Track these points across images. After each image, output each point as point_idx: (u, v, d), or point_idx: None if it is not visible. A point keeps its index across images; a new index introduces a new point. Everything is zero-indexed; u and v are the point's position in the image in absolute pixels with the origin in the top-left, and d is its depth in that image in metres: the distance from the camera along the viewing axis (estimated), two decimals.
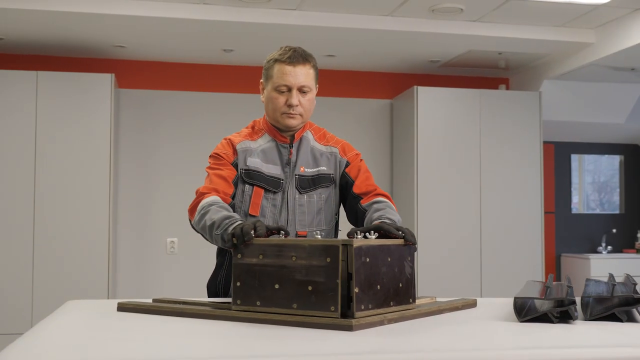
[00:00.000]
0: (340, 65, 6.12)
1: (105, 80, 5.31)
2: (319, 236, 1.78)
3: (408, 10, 4.83)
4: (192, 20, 4.79)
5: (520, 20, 5.04)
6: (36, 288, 5.12)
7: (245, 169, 2.34)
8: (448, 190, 5.84)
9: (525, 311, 1.75)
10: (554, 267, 6.84)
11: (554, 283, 2.11)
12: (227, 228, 1.98)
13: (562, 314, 1.73)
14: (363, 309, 1.66)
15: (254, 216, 2.30)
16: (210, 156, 2.38)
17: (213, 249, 2.45)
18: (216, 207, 2.12)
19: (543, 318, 1.73)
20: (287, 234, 1.93)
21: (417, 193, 5.77)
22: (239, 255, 1.76)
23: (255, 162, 2.34)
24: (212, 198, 2.19)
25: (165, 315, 1.83)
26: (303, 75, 2.32)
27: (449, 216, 5.83)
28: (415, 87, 5.84)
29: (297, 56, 2.33)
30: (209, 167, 2.35)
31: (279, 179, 2.35)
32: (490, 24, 5.12)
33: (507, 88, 6.60)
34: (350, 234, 1.84)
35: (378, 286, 1.72)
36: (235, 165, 2.35)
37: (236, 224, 1.96)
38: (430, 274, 5.74)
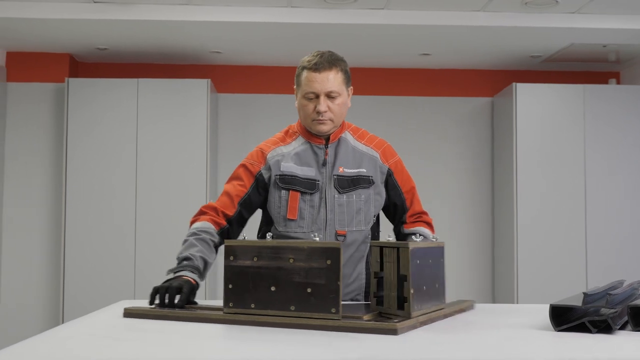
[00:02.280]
0: (435, 63, 5.99)
1: (202, 86, 5.47)
2: (317, 238, 1.75)
3: (499, 5, 4.66)
4: (280, 24, 4.85)
5: (624, 9, 4.75)
6: (138, 283, 5.33)
7: (279, 175, 2.36)
8: (549, 194, 5.58)
9: (561, 320, 1.63)
10: None
11: (621, 288, 1.96)
12: (174, 273, 2.09)
13: (603, 323, 1.60)
14: (416, 309, 1.71)
15: (292, 220, 2.33)
16: (239, 164, 2.44)
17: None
18: (193, 240, 2.23)
19: (583, 327, 1.61)
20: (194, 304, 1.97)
21: (517, 197, 5.55)
22: (231, 257, 1.75)
23: (289, 167, 2.36)
24: (200, 224, 2.30)
25: (149, 319, 1.81)
26: (330, 81, 2.30)
27: (551, 220, 5.56)
28: (513, 84, 5.63)
29: (323, 62, 2.30)
30: (228, 180, 2.43)
31: (315, 180, 2.35)
32: (591, 15, 4.84)
33: (618, 82, 6.23)
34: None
35: (424, 287, 1.78)
36: (260, 176, 2.38)
37: (172, 277, 2.06)
38: (530, 279, 5.51)
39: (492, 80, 6.19)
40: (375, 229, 2.45)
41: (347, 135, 2.44)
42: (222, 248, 2.01)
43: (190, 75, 5.87)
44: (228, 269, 1.75)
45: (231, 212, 2.34)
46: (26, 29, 4.98)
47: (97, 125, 5.41)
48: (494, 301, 6.05)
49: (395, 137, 6.09)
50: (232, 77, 6.05)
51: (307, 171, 2.36)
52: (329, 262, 1.67)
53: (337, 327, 1.64)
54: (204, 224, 2.30)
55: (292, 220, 2.32)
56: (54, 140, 5.64)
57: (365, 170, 2.39)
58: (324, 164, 2.37)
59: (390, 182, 2.45)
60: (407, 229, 2.46)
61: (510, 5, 4.67)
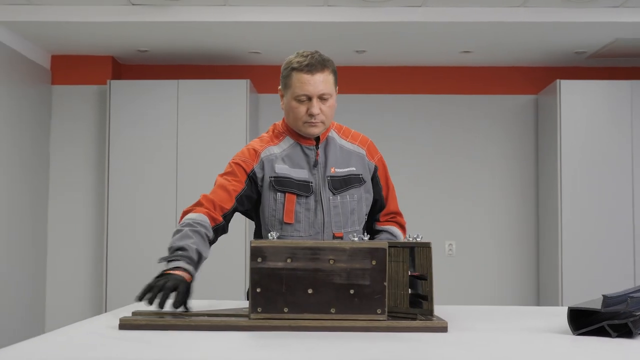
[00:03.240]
0: (476, 61, 5.90)
1: (241, 86, 5.49)
2: (356, 239, 1.71)
3: (540, 0, 4.56)
4: (317, 23, 4.83)
5: None
6: None
7: (274, 177, 2.30)
8: (595, 194, 5.43)
9: (580, 323, 1.57)
10: None
11: None
12: (167, 262, 1.97)
13: (623, 327, 1.54)
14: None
15: (288, 224, 2.26)
16: (229, 163, 2.34)
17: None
18: (188, 231, 2.07)
19: (602, 332, 1.55)
20: (187, 310, 1.82)
21: (561, 197, 5.42)
22: (259, 259, 1.66)
23: (283, 169, 2.30)
24: (196, 216, 2.16)
25: (169, 330, 1.62)
26: (322, 82, 2.25)
27: (597, 220, 5.42)
28: (558, 81, 5.50)
29: (315, 63, 2.25)
30: (221, 174, 2.32)
31: (309, 182, 2.30)
32: (636, 8, 4.70)
33: None
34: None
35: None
36: (253, 175, 2.30)
37: (168, 269, 1.94)
38: (575, 279, 5.38)
39: (535, 78, 6.06)
40: (366, 227, 2.44)
41: (333, 134, 2.40)
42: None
43: (229, 76, 5.90)
44: (256, 271, 1.66)
45: (228, 205, 2.23)
46: (69, 32, 5.07)
47: (138, 126, 5.49)
48: (538, 302, 5.93)
49: (436, 136, 6.02)
50: (272, 77, 6.05)
51: (300, 173, 2.31)
52: (374, 262, 1.66)
53: (385, 327, 1.63)
54: (200, 216, 2.17)
55: (289, 224, 2.26)
56: (96, 141, 5.74)
57: (355, 169, 2.35)
58: (315, 165, 2.33)
59: (374, 179, 2.41)
60: (379, 226, 2.44)
61: (550, 0, 4.57)
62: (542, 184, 5.88)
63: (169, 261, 1.96)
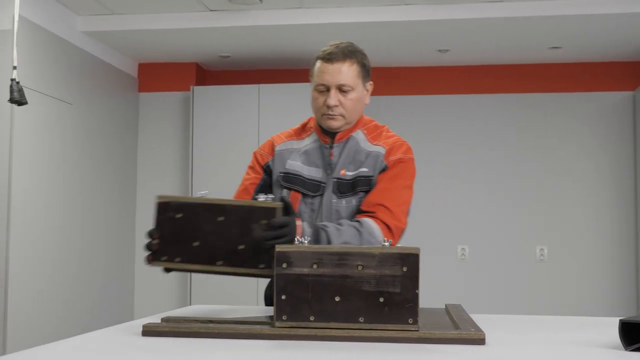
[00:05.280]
0: (567, 57, 5.61)
1: None
2: (387, 244, 1.60)
3: None
4: (395, 23, 4.72)
5: None
6: (261, 282, 5.39)
7: (284, 173, 2.21)
8: None
9: (633, 338, 1.41)
10: None
11: None
12: None
13: None
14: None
15: None
16: (253, 153, 2.32)
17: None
18: None
19: None
20: None
21: None
22: (284, 265, 1.58)
23: (295, 165, 2.21)
24: None
25: (192, 338, 1.56)
26: (342, 73, 2.12)
27: None
28: None
29: (338, 52, 2.13)
30: (246, 171, 2.31)
31: (320, 182, 2.18)
32: None
33: None
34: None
35: None
36: (267, 168, 2.26)
37: None
38: None
39: (632, 73, 5.71)
40: None
41: (359, 135, 2.23)
42: None
43: (309, 79, 5.85)
44: (281, 277, 1.57)
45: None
46: (152, 40, 5.18)
47: (220, 130, 5.54)
48: (638, 311, 5.57)
49: (524, 136, 5.77)
50: None
51: (313, 172, 2.20)
52: (405, 268, 1.55)
53: (416, 338, 1.52)
54: None
55: None
56: (181, 145, 5.84)
57: (366, 170, 2.16)
58: (329, 164, 2.20)
59: (379, 177, 2.16)
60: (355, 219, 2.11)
61: None
62: None
63: None
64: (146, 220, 5.80)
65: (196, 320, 1.69)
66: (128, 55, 5.64)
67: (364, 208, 2.12)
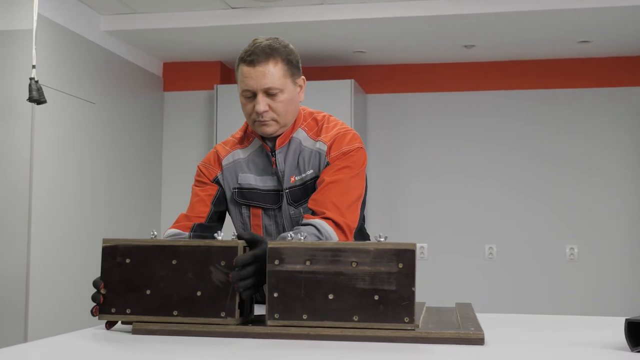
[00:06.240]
0: (597, 51, 5.46)
1: (345, 86, 5.39)
2: (382, 239, 1.54)
3: None
4: (421, 17, 4.64)
5: None
6: None
7: (237, 188, 2.07)
8: None
9: (639, 339, 1.34)
10: None
11: None
12: None
13: None
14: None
15: None
16: (197, 165, 2.16)
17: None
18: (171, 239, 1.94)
19: None
20: None
21: None
22: (277, 261, 1.52)
23: (247, 178, 2.06)
24: (174, 231, 2.04)
25: (182, 336, 1.53)
26: (267, 75, 1.93)
27: None
28: None
29: (259, 52, 1.94)
30: (194, 184, 2.15)
31: (278, 190, 2.04)
32: None
33: None
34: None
35: None
36: (217, 182, 2.10)
37: None
38: None
39: None
40: (358, 235, 2.11)
41: (300, 134, 2.06)
42: None
43: (334, 76, 5.82)
44: (273, 274, 1.52)
45: (205, 214, 2.07)
46: (176, 39, 5.17)
47: None
48: None
49: (555, 135, 5.64)
50: (378, 77, 5.92)
51: (268, 181, 2.05)
52: (401, 265, 1.49)
53: (412, 338, 1.46)
54: (173, 230, 2.05)
55: None
56: (205, 145, 5.84)
57: (311, 172, 2.02)
58: (275, 174, 2.05)
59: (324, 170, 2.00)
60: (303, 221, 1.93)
61: None
62: None
63: None
64: (170, 220, 5.81)
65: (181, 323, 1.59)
66: (152, 54, 5.66)
67: (312, 206, 1.94)
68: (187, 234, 2.04)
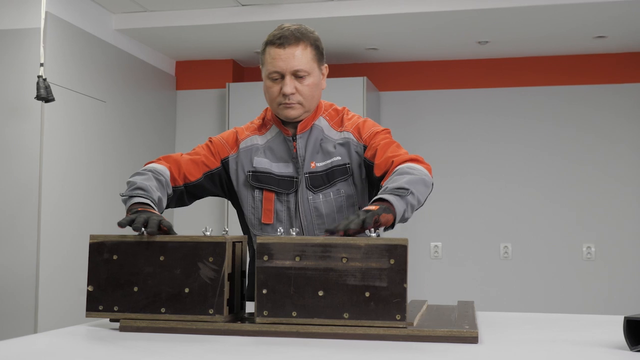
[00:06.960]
0: (613, 46, 5.37)
1: (357, 84, 5.35)
2: (374, 235, 1.50)
3: None
4: (434, 13, 4.58)
5: None
6: None
7: (252, 171, 2.07)
8: None
9: (638, 338, 1.29)
10: None
11: None
12: (128, 200, 1.77)
13: None
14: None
15: (267, 224, 2.04)
16: (216, 136, 2.14)
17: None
18: (152, 175, 1.90)
19: None
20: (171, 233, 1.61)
21: None
22: (265, 257, 1.49)
23: (262, 162, 2.06)
24: (160, 167, 1.98)
25: (170, 333, 1.51)
26: (296, 57, 1.96)
27: None
28: None
29: (289, 35, 1.97)
30: (202, 144, 2.12)
31: (292, 177, 2.05)
32: None
33: None
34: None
35: None
36: (225, 163, 2.10)
37: (133, 202, 1.75)
38: None
39: None
40: None
41: (322, 122, 2.09)
42: None
43: (347, 74, 5.78)
44: (262, 270, 1.49)
45: (193, 178, 2.04)
46: (188, 37, 5.16)
47: None
48: None
49: (570, 132, 5.56)
50: (391, 74, 5.87)
51: (282, 167, 2.06)
52: (392, 261, 1.45)
53: (404, 336, 1.43)
54: (163, 168, 1.98)
55: (268, 224, 2.05)
56: None
57: (339, 158, 2.03)
58: (295, 158, 2.06)
59: (364, 159, 2.03)
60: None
61: None
62: None
63: (131, 197, 1.79)
64: (183, 220, 5.81)
65: (169, 320, 1.56)
66: (164, 53, 5.65)
67: (382, 166, 1.91)
68: (169, 176, 2.00)
